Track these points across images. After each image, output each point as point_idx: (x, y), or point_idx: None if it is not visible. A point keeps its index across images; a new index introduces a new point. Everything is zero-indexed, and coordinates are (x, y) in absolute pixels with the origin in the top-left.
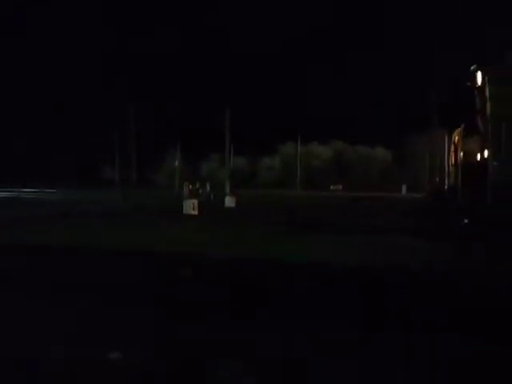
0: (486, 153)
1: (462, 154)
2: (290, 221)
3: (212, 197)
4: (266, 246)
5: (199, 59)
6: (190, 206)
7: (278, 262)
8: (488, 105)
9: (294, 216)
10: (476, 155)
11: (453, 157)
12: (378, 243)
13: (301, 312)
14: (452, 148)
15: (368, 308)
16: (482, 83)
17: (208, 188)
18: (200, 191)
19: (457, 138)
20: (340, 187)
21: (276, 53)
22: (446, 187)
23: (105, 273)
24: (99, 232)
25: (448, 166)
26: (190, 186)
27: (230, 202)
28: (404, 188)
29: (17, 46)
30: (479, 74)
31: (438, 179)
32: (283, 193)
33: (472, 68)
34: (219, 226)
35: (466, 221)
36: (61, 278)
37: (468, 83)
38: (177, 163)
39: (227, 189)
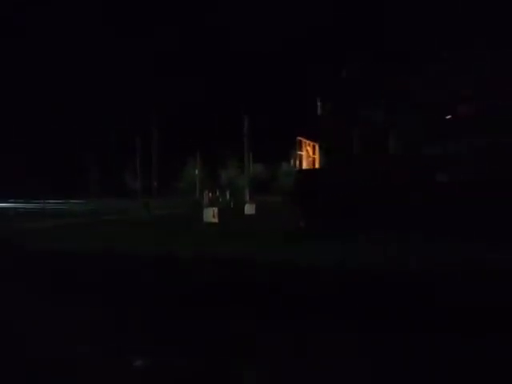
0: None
1: (296, 161)
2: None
3: (232, 204)
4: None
5: (215, 67)
6: (211, 214)
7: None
8: (320, 118)
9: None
10: (308, 162)
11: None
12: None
13: (300, 311)
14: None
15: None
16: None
17: (228, 195)
18: (220, 199)
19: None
20: None
21: (291, 55)
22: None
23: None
24: (126, 238)
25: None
26: (210, 194)
27: (249, 209)
28: None
29: (17, 45)
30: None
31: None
32: None
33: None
34: (239, 233)
35: (302, 224)
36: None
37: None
38: (197, 171)
39: (247, 196)
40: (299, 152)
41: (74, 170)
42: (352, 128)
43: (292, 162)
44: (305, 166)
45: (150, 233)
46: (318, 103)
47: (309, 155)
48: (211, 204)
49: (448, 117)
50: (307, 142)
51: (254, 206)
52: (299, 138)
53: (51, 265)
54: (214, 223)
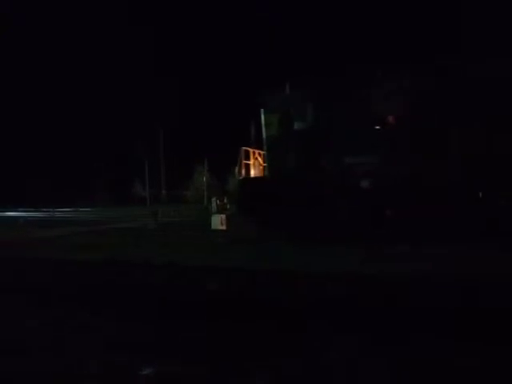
0: (259, 168)
1: (240, 169)
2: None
3: None
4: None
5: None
6: (218, 222)
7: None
8: (263, 129)
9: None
10: (255, 170)
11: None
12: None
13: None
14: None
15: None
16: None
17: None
18: (228, 206)
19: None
20: None
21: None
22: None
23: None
24: (130, 246)
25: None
26: (218, 201)
27: None
28: None
29: (22, 54)
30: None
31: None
32: None
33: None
34: (244, 241)
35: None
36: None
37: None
38: (204, 179)
39: None
40: (245, 161)
41: (82, 179)
42: (289, 139)
43: (236, 170)
44: (253, 174)
45: (155, 241)
46: (262, 114)
47: (260, 164)
48: (219, 211)
49: (376, 127)
50: (257, 151)
51: None
52: (245, 147)
53: (43, 272)
54: (222, 230)
